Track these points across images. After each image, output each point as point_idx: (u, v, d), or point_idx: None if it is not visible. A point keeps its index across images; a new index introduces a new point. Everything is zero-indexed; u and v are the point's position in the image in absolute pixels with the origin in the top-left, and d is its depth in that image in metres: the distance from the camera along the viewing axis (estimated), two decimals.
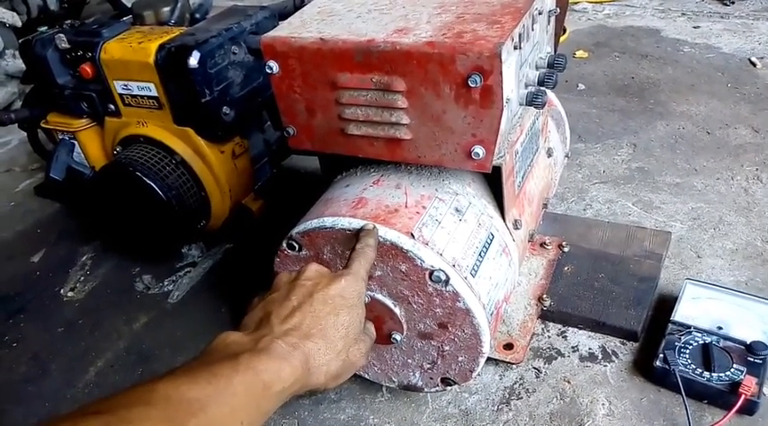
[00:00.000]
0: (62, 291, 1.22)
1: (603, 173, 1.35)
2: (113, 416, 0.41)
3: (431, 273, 0.71)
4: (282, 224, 0.84)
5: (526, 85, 0.75)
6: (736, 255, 1.09)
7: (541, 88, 0.75)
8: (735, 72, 1.69)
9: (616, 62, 1.84)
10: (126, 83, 1.09)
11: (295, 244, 0.78)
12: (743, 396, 0.81)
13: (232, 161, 1.14)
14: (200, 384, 0.45)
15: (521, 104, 0.74)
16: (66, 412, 0.42)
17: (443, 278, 0.70)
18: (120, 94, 1.12)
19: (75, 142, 1.24)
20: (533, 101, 0.73)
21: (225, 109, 1.07)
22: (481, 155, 0.70)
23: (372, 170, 0.83)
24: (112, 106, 1.15)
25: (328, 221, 0.74)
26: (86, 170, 1.26)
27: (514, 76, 0.69)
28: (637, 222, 1.19)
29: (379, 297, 0.76)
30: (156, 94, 1.08)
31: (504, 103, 0.65)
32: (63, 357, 1.08)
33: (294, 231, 0.78)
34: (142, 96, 1.10)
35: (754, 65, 1.71)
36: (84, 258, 1.30)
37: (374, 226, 0.70)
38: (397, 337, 0.79)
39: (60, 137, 1.25)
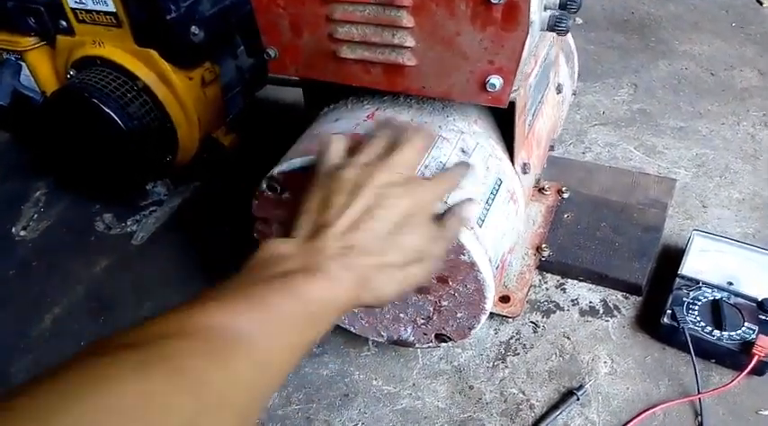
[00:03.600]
0: (13, 230, 1.11)
1: (603, 115, 1.27)
2: (146, 351, 0.32)
3: None
4: (257, 161, 0.74)
5: (546, 8, 0.64)
6: (743, 205, 1.03)
7: (565, 11, 0.64)
8: (740, 10, 1.60)
9: None
10: None
11: (277, 186, 0.69)
12: (756, 357, 0.76)
13: (201, 89, 1.02)
14: (246, 312, 0.37)
15: (541, 29, 0.64)
16: (89, 343, 0.34)
17: None
18: (73, 9, 0.98)
19: (23, 63, 1.10)
20: (556, 25, 0.63)
21: (193, 28, 0.94)
22: (497, 87, 0.60)
23: (366, 102, 0.72)
24: (64, 22, 1.01)
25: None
26: (36, 95, 1.12)
27: None
28: (639, 167, 1.12)
29: None
30: (113, 10, 0.94)
31: (530, 26, 0.55)
32: (14, 303, 0.98)
33: (275, 170, 0.68)
34: (98, 11, 0.96)
35: (760, 3, 1.62)
36: (38, 194, 1.18)
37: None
38: None
39: (5, 56, 1.10)
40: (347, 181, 0.48)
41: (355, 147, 0.52)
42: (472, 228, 0.64)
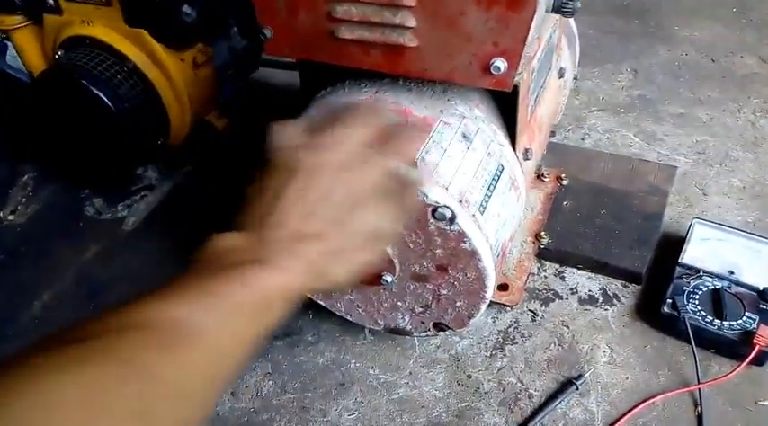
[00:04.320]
0: (1, 214, 1.09)
1: (603, 100, 1.25)
2: (97, 346, 0.32)
3: (434, 210, 0.60)
4: (251, 145, 0.71)
5: None
6: (744, 194, 1.02)
7: None
8: None
9: None
10: None
11: None
12: (757, 347, 0.75)
13: (193, 70, 0.99)
14: (195, 303, 0.37)
15: (547, 11, 0.62)
16: (37, 340, 0.33)
17: (448, 215, 0.60)
18: None
19: (9, 43, 1.06)
20: (563, 7, 0.61)
21: (185, 8, 0.91)
22: (502, 70, 0.58)
23: (364, 85, 0.70)
24: (51, 0, 0.97)
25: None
26: (23, 76, 1.09)
27: None
28: (639, 154, 1.10)
29: None
30: None
31: (537, 6, 0.53)
32: (3, 289, 0.96)
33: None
34: None
35: None
36: (26, 177, 1.15)
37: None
38: (388, 278, 0.69)
39: None
40: (292, 166, 0.46)
41: (308, 134, 0.50)
42: (474, 216, 0.62)
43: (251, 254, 0.41)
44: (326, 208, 0.44)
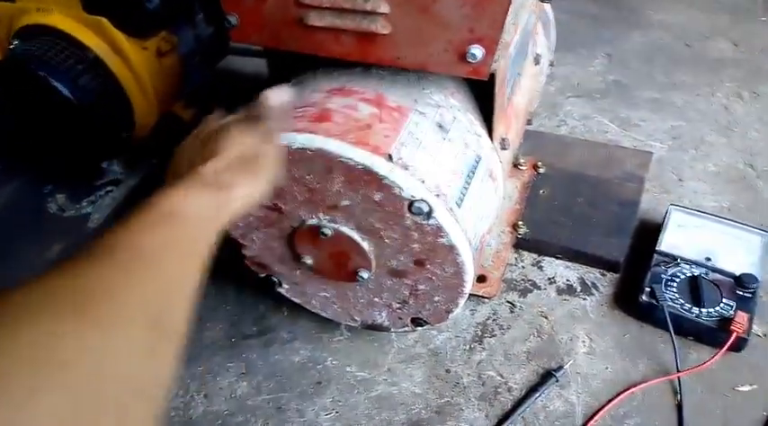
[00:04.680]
0: None
1: (578, 86, 1.24)
2: (67, 272, 0.34)
3: (410, 204, 0.58)
4: None
5: None
6: (719, 178, 1.02)
7: None
8: None
9: None
10: None
11: None
12: (735, 334, 0.75)
13: (157, 60, 0.95)
14: (140, 233, 0.40)
15: None
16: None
17: (425, 209, 0.58)
18: None
19: None
20: None
21: None
22: (478, 58, 0.56)
23: (336, 74, 0.67)
24: None
25: (283, 138, 0.60)
26: None
27: None
28: (615, 141, 1.10)
29: (345, 229, 0.64)
30: None
31: None
32: None
33: None
34: None
35: None
36: None
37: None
38: (364, 275, 0.68)
39: None
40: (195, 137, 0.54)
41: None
42: (451, 210, 0.60)
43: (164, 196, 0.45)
44: (210, 144, 0.51)
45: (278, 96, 0.53)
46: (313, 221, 0.65)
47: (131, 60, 0.91)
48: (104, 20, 0.89)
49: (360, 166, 0.57)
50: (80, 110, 0.89)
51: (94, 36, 0.91)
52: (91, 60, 0.91)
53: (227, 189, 0.47)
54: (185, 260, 0.41)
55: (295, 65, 0.70)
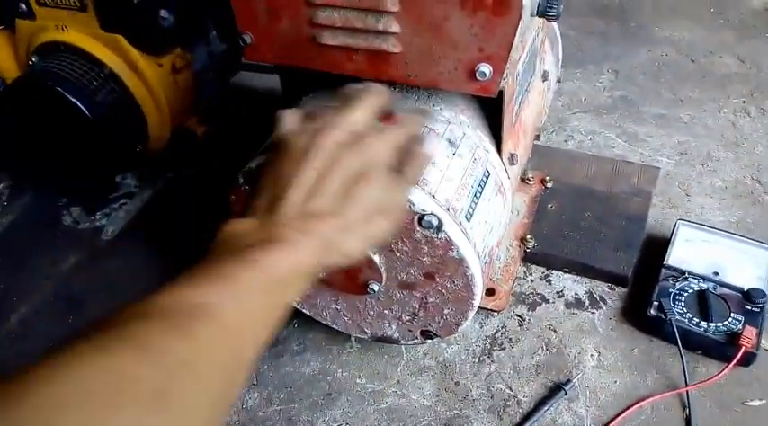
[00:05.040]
0: None
1: (585, 102, 1.25)
2: (113, 334, 0.33)
3: (420, 218, 0.59)
4: (231, 151, 0.70)
5: None
6: (726, 194, 1.03)
7: None
8: None
9: None
10: None
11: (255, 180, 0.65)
12: (743, 348, 0.75)
13: (172, 76, 0.97)
14: (204, 287, 0.38)
15: (531, 15, 0.61)
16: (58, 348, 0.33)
17: (435, 223, 0.59)
18: None
19: None
20: (547, 11, 0.60)
21: (162, 12, 0.90)
22: (487, 76, 0.57)
23: None
24: (23, 5, 0.94)
25: None
26: None
27: None
28: (622, 156, 1.10)
29: None
30: None
31: (522, 10, 0.53)
32: None
33: (253, 163, 0.65)
34: None
35: None
36: (1, 186, 1.13)
37: None
38: (375, 287, 0.68)
39: None
40: (296, 149, 0.47)
41: (311, 118, 0.51)
42: (461, 224, 0.61)
43: (259, 236, 0.42)
44: (331, 184, 0.46)
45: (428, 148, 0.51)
46: None
47: (147, 76, 0.94)
48: (121, 37, 0.91)
49: None
50: (96, 124, 0.92)
51: (111, 53, 0.93)
52: (107, 76, 0.93)
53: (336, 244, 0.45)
54: (251, 321, 0.39)
55: (308, 82, 0.72)
